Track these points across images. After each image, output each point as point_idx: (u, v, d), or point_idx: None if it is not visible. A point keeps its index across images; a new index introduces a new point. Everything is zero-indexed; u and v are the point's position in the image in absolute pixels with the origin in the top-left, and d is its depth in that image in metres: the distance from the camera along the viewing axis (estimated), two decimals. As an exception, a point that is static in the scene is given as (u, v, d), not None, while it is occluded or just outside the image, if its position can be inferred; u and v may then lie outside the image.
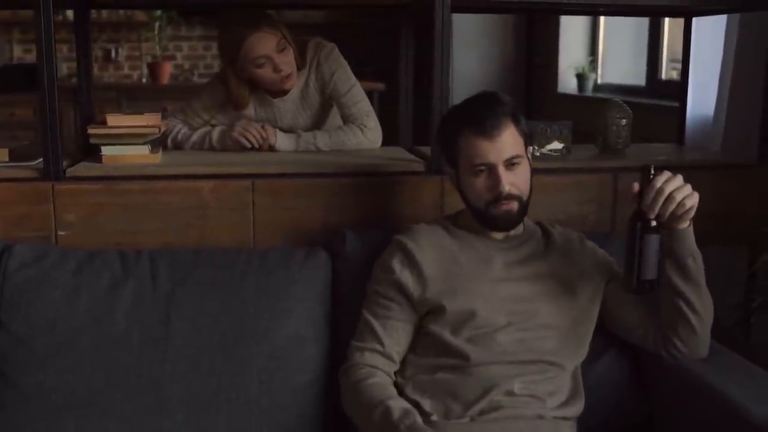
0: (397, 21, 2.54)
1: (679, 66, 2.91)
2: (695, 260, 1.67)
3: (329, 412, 1.80)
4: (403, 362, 1.73)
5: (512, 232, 1.78)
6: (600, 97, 4.78)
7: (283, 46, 2.37)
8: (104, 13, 5.84)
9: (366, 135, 2.42)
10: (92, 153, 2.25)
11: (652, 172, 1.61)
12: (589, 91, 4.97)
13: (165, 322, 1.78)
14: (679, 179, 1.60)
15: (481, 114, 1.68)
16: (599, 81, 5.04)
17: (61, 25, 3.60)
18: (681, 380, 1.72)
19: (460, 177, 1.75)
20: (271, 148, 2.34)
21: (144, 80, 6.20)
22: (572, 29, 5.13)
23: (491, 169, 1.69)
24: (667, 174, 1.60)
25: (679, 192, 1.58)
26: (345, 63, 2.50)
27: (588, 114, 2.43)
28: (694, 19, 3.35)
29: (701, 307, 1.69)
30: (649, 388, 1.82)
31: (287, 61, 2.39)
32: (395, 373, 1.72)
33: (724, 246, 2.34)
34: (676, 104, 3.47)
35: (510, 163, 1.69)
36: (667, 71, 4.31)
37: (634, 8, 2.74)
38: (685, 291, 1.67)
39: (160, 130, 2.15)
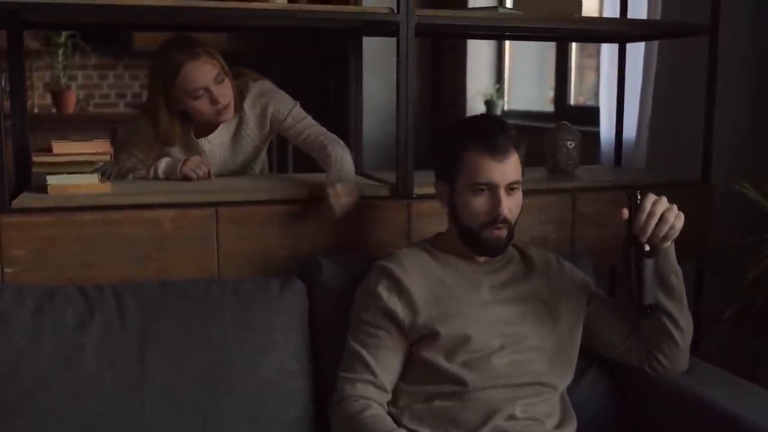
0: (345, 48, 2.51)
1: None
2: (677, 277, 1.70)
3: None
4: (395, 392, 1.68)
5: (494, 255, 1.77)
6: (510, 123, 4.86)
7: (221, 78, 2.22)
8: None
9: (342, 146, 2.18)
10: (30, 183, 2.11)
11: (638, 195, 1.62)
12: (497, 117, 5.05)
13: (139, 360, 1.67)
14: (664, 200, 1.61)
15: (494, 132, 1.66)
16: (506, 107, 5.14)
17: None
18: (668, 394, 1.75)
19: (455, 194, 1.71)
20: None
21: (36, 110, 5.90)
22: (478, 56, 5.20)
23: (493, 190, 1.66)
24: (654, 196, 1.61)
25: (669, 213, 1.60)
26: (279, 92, 2.35)
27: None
28: (604, 47, 3.49)
29: (684, 323, 1.72)
30: (634, 403, 1.84)
31: (225, 92, 2.23)
32: (387, 403, 1.67)
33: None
34: (588, 129, 3.60)
35: (510, 188, 1.67)
36: (575, 97, 4.45)
37: (580, 33, 2.79)
38: (669, 308, 1.70)
39: (111, 157, 2.04)
